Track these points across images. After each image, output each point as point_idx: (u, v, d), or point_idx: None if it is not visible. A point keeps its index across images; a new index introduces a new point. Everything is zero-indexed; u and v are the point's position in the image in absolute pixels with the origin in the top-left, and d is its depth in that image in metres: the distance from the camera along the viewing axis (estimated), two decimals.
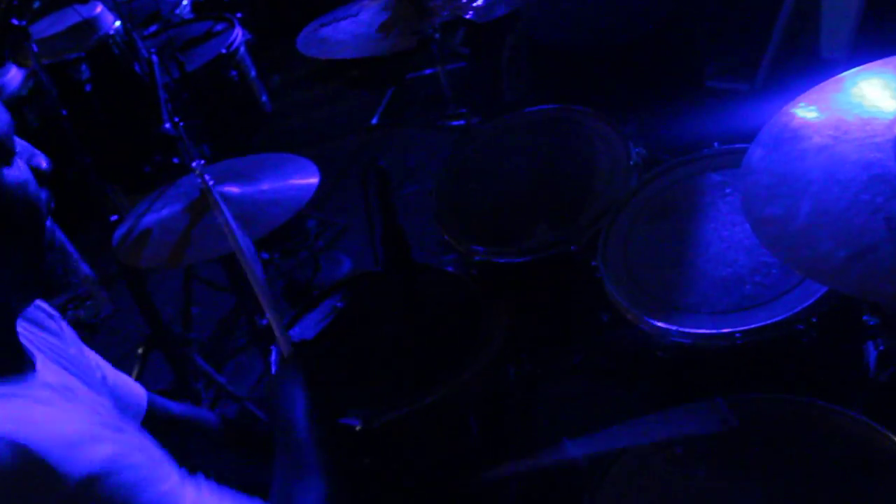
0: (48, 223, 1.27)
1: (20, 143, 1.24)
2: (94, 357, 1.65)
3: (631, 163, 2.44)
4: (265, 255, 3.90)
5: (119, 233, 2.61)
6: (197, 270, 3.92)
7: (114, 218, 3.30)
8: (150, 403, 1.77)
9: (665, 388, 2.16)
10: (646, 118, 3.29)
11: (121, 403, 1.62)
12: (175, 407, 1.86)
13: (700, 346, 1.97)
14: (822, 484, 1.71)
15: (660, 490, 1.81)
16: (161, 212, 2.62)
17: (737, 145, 2.30)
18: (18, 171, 1.20)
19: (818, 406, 1.81)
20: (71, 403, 1.26)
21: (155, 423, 1.65)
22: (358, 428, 2.07)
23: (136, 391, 1.76)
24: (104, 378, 1.63)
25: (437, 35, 2.58)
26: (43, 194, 1.25)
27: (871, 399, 2.05)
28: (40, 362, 1.32)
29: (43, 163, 1.27)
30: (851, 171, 1.61)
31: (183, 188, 2.69)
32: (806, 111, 1.82)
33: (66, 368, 1.42)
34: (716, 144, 2.37)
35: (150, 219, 2.63)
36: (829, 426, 1.78)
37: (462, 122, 2.78)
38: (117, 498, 1.09)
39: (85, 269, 2.87)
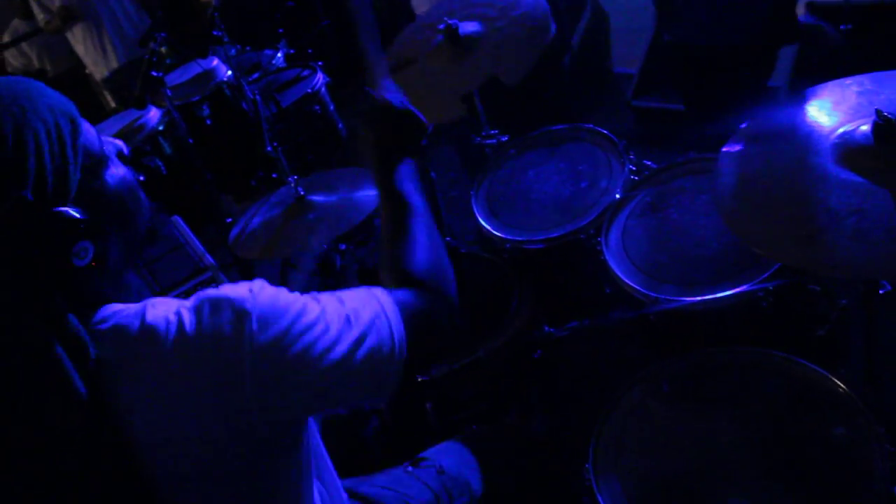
0: (143, 198, 1.21)
1: (107, 142, 1.18)
2: None
3: (625, 168, 2.44)
4: (342, 246, 3.94)
5: (233, 232, 2.65)
6: (290, 259, 3.96)
7: (228, 220, 3.35)
8: None
9: (655, 343, 2.17)
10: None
11: None
12: None
13: (683, 311, 1.97)
14: (776, 412, 1.73)
15: (652, 421, 1.82)
16: (264, 215, 2.66)
17: (707, 154, 2.31)
18: (114, 171, 1.15)
19: (774, 354, 1.82)
20: None
21: None
22: (420, 379, 2.10)
23: None
24: None
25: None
26: (130, 174, 1.19)
27: (814, 348, 2.05)
28: None
29: (124, 149, 1.21)
30: (798, 173, 1.62)
31: (280, 197, 2.73)
32: (761, 127, 1.83)
33: None
34: (691, 154, 2.37)
35: (255, 221, 2.67)
36: (782, 369, 1.79)
37: (493, 141, 2.78)
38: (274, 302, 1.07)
39: (209, 259, 2.92)
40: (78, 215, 1.02)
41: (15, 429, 0.97)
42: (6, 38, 5.40)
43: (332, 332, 1.10)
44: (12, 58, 5.66)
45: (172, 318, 1.04)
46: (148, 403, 1.00)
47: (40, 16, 5.06)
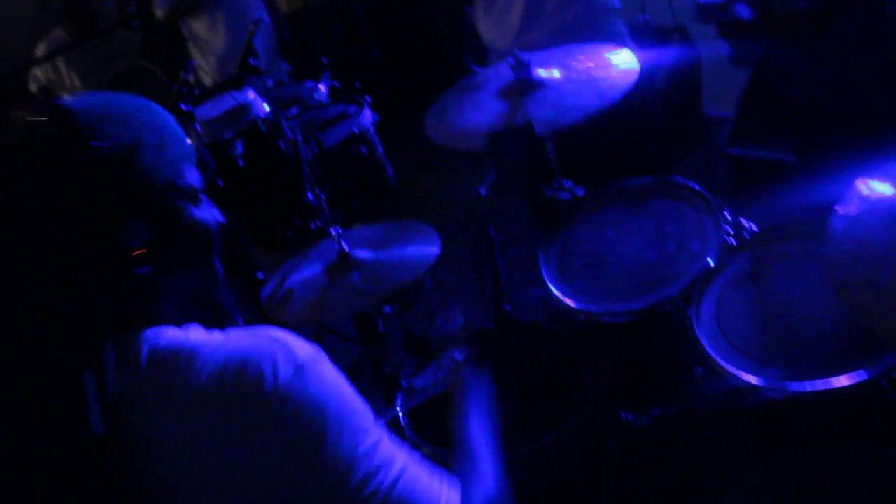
0: (216, 251, 1.33)
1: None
2: None
3: (720, 230, 2.39)
4: (387, 309, 3.92)
5: (267, 290, 2.66)
6: (326, 322, 3.97)
7: (260, 275, 3.36)
8: None
9: (755, 438, 2.11)
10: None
11: None
12: None
13: (789, 401, 1.91)
14: None
15: None
16: (303, 273, 2.67)
17: (819, 215, 2.26)
18: (203, 209, 1.27)
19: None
20: None
21: None
22: None
23: None
24: None
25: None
26: (217, 223, 1.31)
27: None
28: None
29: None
30: None
31: (322, 251, 2.73)
32: (882, 184, 1.78)
33: None
34: (799, 214, 2.33)
35: (293, 279, 2.67)
36: None
37: (567, 194, 2.75)
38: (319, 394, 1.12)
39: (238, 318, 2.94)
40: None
41: (24, 463, 1.07)
42: (41, 50, 5.32)
43: (372, 447, 1.16)
44: (41, 72, 5.59)
45: (216, 339, 1.15)
46: (173, 432, 1.08)
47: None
